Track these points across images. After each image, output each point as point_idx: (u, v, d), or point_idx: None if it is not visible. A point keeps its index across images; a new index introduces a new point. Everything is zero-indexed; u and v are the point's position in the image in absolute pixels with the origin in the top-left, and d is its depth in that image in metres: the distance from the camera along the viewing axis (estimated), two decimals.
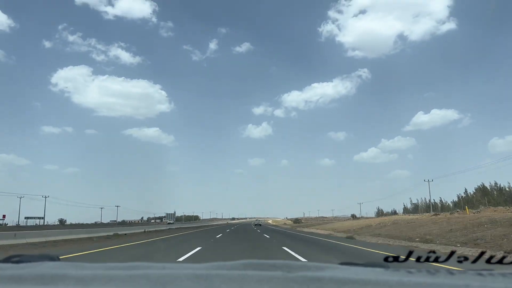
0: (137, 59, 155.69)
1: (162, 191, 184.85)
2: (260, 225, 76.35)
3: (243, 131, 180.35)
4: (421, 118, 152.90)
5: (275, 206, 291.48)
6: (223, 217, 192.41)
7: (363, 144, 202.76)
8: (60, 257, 1.00)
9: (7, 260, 0.89)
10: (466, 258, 0.86)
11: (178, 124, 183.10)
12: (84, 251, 12.29)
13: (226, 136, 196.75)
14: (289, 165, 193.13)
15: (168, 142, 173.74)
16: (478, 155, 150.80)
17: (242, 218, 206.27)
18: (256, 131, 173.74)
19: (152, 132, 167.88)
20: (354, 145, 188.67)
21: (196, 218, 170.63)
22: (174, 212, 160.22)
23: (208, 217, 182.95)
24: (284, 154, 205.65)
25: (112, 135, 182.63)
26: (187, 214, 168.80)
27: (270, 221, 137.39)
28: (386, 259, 0.92)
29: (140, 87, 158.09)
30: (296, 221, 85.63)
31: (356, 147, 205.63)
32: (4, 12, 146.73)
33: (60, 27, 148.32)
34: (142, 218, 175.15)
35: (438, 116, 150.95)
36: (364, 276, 0.65)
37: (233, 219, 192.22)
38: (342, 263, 0.96)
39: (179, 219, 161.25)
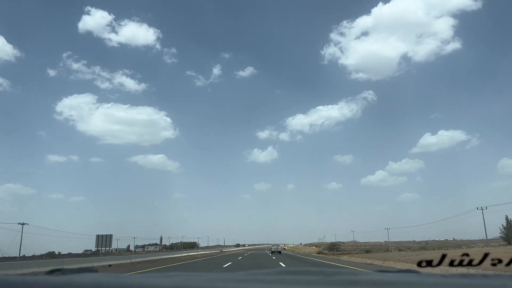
0: (142, 86, 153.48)
1: (165, 218, 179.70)
2: (280, 252, 51.86)
3: (248, 155, 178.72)
4: (428, 140, 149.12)
5: (283, 231, 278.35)
6: (225, 244, 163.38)
7: (370, 167, 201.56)
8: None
9: (50, 273, 0.97)
10: (500, 261, 0.82)
11: (183, 150, 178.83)
12: None
13: (231, 161, 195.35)
14: (295, 189, 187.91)
15: (174, 168, 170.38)
16: (488, 176, 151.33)
17: (248, 245, 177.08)
18: (261, 156, 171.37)
19: (157, 159, 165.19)
20: (361, 168, 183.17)
21: (193, 245, 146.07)
22: (161, 238, 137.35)
23: (212, 244, 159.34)
24: (291, 178, 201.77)
25: (117, 162, 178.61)
26: (184, 241, 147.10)
27: (284, 247, 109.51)
28: (419, 263, 0.90)
29: (145, 114, 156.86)
30: (333, 247, 57.22)
31: (364, 170, 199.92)
32: (10, 42, 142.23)
33: (64, 55, 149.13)
34: (128, 246, 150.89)
35: (446, 137, 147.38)
36: (399, 279, 0.67)
37: (238, 245, 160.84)
38: (377, 271, 0.99)
39: (173, 247, 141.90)
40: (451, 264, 0.92)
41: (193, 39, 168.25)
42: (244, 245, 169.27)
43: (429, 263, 0.93)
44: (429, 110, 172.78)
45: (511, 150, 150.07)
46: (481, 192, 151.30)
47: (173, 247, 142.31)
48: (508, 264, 0.92)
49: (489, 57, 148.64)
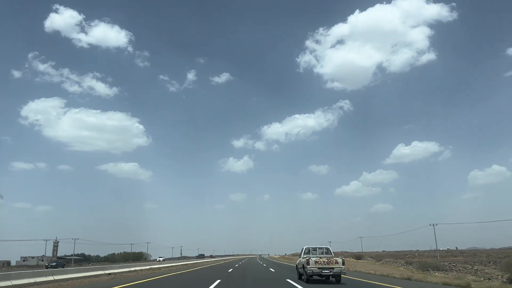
0: (114, 90, 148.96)
1: (134, 228, 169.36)
2: (339, 279, 16.39)
3: (223, 164, 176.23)
4: (402, 151, 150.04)
5: (258, 242, 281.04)
6: (182, 255, 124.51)
7: (345, 178, 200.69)
8: None
9: None
10: None
11: (156, 159, 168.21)
12: None
13: (206, 171, 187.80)
14: (271, 199, 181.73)
15: (146, 177, 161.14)
16: (458, 187, 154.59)
17: (221, 256, 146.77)
18: (237, 165, 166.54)
19: (128, 167, 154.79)
20: (336, 179, 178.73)
21: (140, 256, 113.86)
22: (56, 244, 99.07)
23: (164, 254, 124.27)
24: (266, 188, 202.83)
25: (86, 170, 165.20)
26: (132, 251, 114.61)
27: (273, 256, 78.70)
28: None
29: (116, 119, 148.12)
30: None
31: (339, 180, 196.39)
32: None
33: (30, 55, 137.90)
34: (43, 256, 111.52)
35: (419, 148, 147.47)
36: None
37: (202, 256, 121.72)
38: None
39: (109, 259, 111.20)
40: None
41: (167, 43, 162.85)
42: (211, 256, 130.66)
43: None
44: (404, 121, 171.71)
45: (481, 162, 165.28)
46: (452, 203, 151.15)
47: (109, 259, 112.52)
48: None
49: (464, 69, 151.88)
